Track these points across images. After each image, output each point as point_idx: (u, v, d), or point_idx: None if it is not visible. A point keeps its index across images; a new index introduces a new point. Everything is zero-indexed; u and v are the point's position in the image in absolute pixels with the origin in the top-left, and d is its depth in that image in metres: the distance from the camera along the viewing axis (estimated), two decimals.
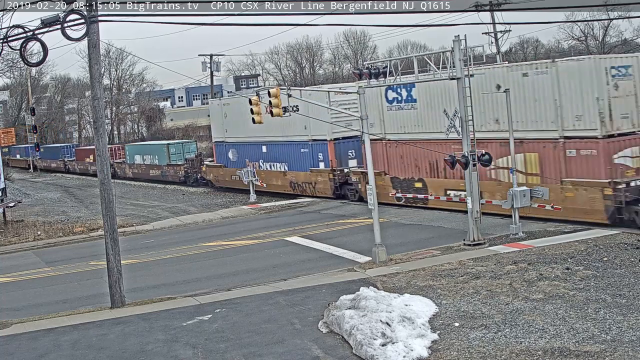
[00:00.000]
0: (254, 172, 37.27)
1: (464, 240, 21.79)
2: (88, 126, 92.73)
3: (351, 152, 34.36)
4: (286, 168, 37.67)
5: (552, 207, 23.52)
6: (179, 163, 49.03)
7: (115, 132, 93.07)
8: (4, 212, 36.06)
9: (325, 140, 34.46)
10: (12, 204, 37.06)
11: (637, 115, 23.15)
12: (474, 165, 21.51)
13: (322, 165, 35.18)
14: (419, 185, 29.37)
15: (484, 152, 21.87)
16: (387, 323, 13.54)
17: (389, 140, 30.23)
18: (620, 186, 22.02)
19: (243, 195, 38.84)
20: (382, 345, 12.90)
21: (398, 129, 30.03)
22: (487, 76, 25.30)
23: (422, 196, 29.19)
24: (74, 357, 14.52)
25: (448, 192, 27.77)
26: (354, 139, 32.98)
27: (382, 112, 30.43)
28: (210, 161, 45.14)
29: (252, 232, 28.40)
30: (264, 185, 38.46)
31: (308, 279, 19.56)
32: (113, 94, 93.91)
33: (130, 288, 19.37)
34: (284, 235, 26.98)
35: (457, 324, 14.01)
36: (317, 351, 13.41)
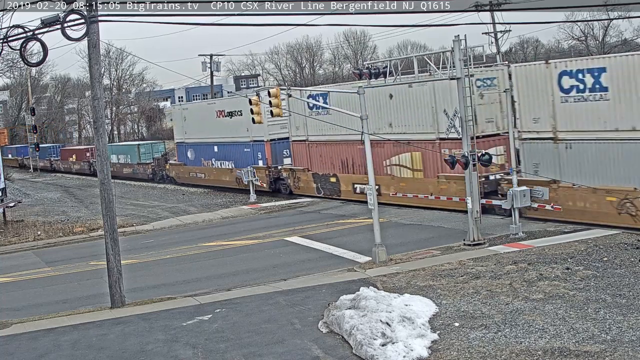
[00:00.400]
0: (254, 172, 37.37)
1: (464, 240, 21.80)
2: (88, 126, 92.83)
3: (286, 152, 38.30)
4: (233, 165, 41.72)
5: (433, 197, 28.20)
6: (148, 162, 53.10)
7: (115, 132, 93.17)
8: (4, 212, 36.06)
9: (263, 140, 38.77)
10: (12, 204, 37.07)
11: (502, 120, 26.84)
12: (474, 165, 21.54)
13: (260, 163, 39.23)
14: (333, 180, 34.05)
15: (484, 152, 21.89)
16: (387, 323, 13.54)
17: (311, 141, 35.37)
18: (480, 179, 24.63)
19: (243, 195, 38.88)
20: (382, 345, 12.90)
21: (318, 131, 34.53)
22: (383, 88, 29.32)
23: (336, 189, 33.90)
24: (74, 357, 14.52)
25: (355, 185, 32.13)
26: (288, 140, 37.80)
27: (306, 117, 34.32)
28: (173, 160, 49.67)
29: (252, 232, 28.40)
30: (213, 179, 43.89)
31: (308, 279, 19.56)
32: (113, 94, 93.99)
33: (130, 288, 19.37)
34: (284, 235, 26.99)
35: (457, 324, 14.02)
36: (317, 351, 13.41)
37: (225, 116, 41.88)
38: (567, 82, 23.06)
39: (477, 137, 24.65)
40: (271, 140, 38.44)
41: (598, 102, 22.13)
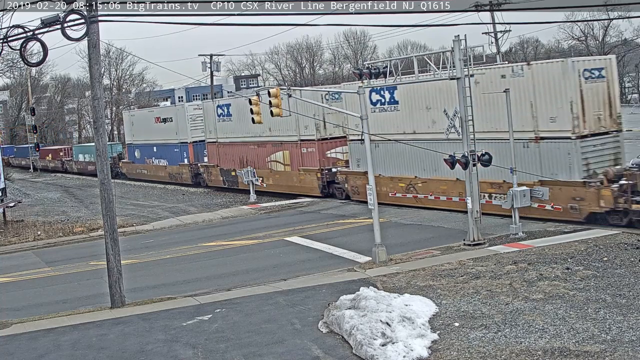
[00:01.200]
0: (254, 172, 37.41)
1: (464, 240, 21.80)
2: (88, 126, 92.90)
3: (205, 152, 45.58)
4: (167, 163, 50.61)
5: (296, 185, 36.49)
6: None
7: (115, 132, 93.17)
8: (4, 212, 36.06)
9: (187, 142, 47.42)
10: (12, 204, 37.07)
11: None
12: (474, 165, 21.54)
13: (185, 161, 48.03)
14: (233, 174, 41.38)
15: (484, 152, 21.88)
16: (387, 323, 13.54)
17: (219, 143, 42.95)
18: (324, 172, 34.71)
19: (243, 196, 38.90)
20: (382, 345, 12.90)
21: (224, 134, 42.39)
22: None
23: (236, 181, 41.19)
24: (74, 357, 14.52)
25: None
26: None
27: (215, 122, 43.00)
28: (125, 159, 58.74)
29: (252, 232, 28.40)
30: (152, 174, 52.81)
31: (308, 279, 19.56)
32: (113, 94, 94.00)
33: (130, 288, 19.37)
34: (284, 235, 26.99)
35: (457, 324, 14.02)
36: (317, 351, 13.41)
37: (161, 122, 50.90)
38: (374, 97, 30.94)
39: (325, 139, 35.33)
40: (193, 142, 47.07)
41: (392, 113, 30.32)
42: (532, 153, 24.35)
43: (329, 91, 34.26)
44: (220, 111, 42.46)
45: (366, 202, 21.88)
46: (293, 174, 36.77)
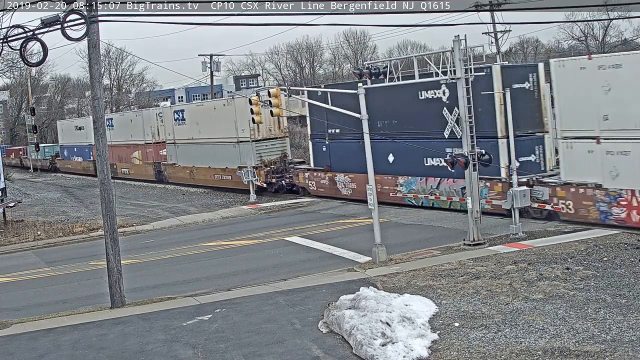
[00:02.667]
0: (253, 172, 37.41)
1: (464, 240, 21.80)
2: None
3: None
4: (82, 159, 64.76)
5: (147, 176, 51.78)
6: (47, 158, 75.45)
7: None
8: (4, 212, 36.05)
9: (92, 144, 53.20)
10: (12, 204, 37.05)
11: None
12: (473, 165, 21.54)
13: (91, 158, 59.22)
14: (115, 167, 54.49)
15: (484, 152, 21.90)
16: (387, 323, 13.54)
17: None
18: (156, 164, 49.58)
19: (243, 196, 38.89)
20: (382, 345, 12.90)
21: (119, 137, 54.49)
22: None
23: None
24: (74, 357, 14.52)
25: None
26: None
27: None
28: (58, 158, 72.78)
29: (252, 232, 28.40)
30: (73, 168, 66.72)
31: (308, 279, 19.56)
32: (113, 94, 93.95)
33: (130, 288, 19.37)
34: (284, 235, 26.99)
35: (457, 324, 14.02)
36: (317, 351, 13.41)
37: (77, 129, 64.89)
38: (175, 115, 46.74)
39: (158, 143, 49.78)
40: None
41: (184, 126, 45.84)
42: (235, 151, 40.51)
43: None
44: (107, 124, 53.56)
45: (181, 184, 40.09)
46: (143, 167, 52.44)
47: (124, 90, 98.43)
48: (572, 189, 22.90)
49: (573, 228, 22.56)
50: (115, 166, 53.81)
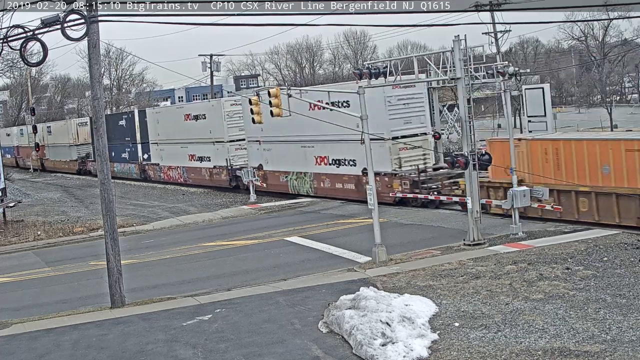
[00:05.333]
0: (253, 172, 37.42)
1: (464, 240, 21.79)
2: None
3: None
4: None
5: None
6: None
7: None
8: (4, 212, 36.03)
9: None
10: (12, 204, 37.04)
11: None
12: (474, 165, 21.54)
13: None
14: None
15: (484, 152, 21.91)
16: (387, 323, 13.54)
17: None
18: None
19: (243, 196, 38.89)
20: (382, 345, 12.90)
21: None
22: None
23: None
24: (74, 357, 14.52)
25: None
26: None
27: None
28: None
29: (252, 232, 28.39)
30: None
31: (308, 279, 19.56)
32: (113, 94, 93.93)
33: (130, 288, 19.37)
34: (284, 235, 26.98)
35: (457, 324, 14.02)
36: (317, 351, 13.41)
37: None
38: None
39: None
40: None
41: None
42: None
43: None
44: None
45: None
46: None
47: (124, 90, 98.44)
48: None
49: (573, 228, 22.56)
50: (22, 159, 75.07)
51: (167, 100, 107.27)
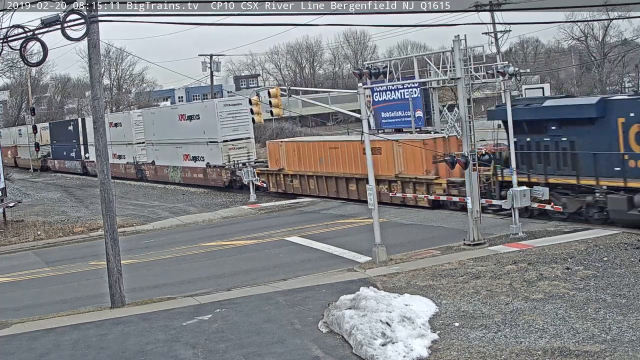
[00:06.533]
0: (254, 172, 37.45)
1: (464, 240, 21.79)
2: None
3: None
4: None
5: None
6: None
7: None
8: (4, 212, 36.03)
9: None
10: (12, 204, 37.03)
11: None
12: (473, 165, 21.56)
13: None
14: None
15: (484, 152, 21.92)
16: (387, 323, 13.54)
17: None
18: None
19: (243, 195, 38.89)
20: (382, 345, 12.90)
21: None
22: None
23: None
24: (74, 357, 14.53)
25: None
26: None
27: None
28: None
29: (252, 232, 28.39)
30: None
31: (308, 279, 19.56)
32: (113, 94, 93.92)
33: (130, 288, 19.37)
34: (284, 235, 26.98)
35: (457, 324, 14.02)
36: (317, 351, 13.41)
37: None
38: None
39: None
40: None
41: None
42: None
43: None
44: None
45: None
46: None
47: (124, 90, 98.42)
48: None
49: (573, 228, 22.57)
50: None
51: (167, 100, 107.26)
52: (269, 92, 22.27)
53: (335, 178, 33.48)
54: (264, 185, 37.45)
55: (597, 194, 22.24)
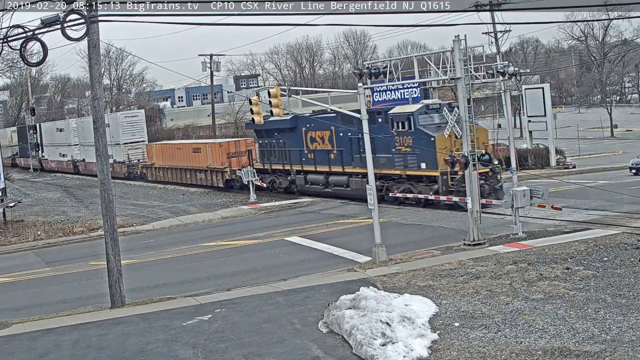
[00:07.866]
0: (254, 172, 37.46)
1: (464, 240, 21.80)
2: None
3: None
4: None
5: None
6: None
7: None
8: (4, 212, 36.03)
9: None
10: (12, 204, 37.03)
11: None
12: (474, 165, 21.55)
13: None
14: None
15: (484, 152, 21.93)
16: (387, 323, 13.54)
17: None
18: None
19: (243, 195, 38.92)
20: (382, 345, 12.90)
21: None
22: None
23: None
24: (74, 357, 14.52)
25: None
26: None
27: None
28: None
29: (252, 232, 28.40)
30: None
31: (308, 279, 19.56)
32: (113, 94, 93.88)
33: (130, 288, 19.37)
34: (284, 235, 26.99)
35: (457, 324, 14.02)
36: (317, 351, 13.41)
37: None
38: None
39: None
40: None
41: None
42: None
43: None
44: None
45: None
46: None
47: (124, 90, 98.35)
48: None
49: (573, 228, 22.59)
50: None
51: (167, 100, 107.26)
52: (269, 92, 22.28)
53: (180, 169, 47.03)
54: (265, 185, 39.92)
55: (292, 175, 37.51)
